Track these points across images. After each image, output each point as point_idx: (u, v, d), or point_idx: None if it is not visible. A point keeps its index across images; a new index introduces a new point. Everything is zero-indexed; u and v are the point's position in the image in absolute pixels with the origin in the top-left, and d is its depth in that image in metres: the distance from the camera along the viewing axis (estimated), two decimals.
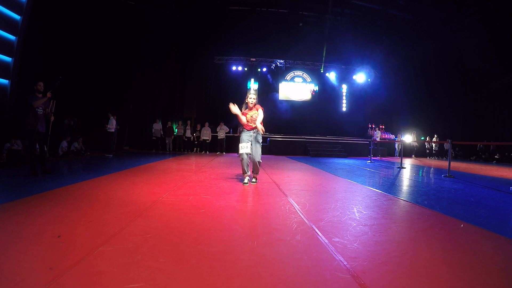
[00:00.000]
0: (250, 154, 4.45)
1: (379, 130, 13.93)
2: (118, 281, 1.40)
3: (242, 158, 4.42)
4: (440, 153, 15.06)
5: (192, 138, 13.42)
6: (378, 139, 13.70)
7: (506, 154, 12.56)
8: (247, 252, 1.80)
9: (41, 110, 4.86)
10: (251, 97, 4.43)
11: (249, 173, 4.56)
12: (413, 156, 14.97)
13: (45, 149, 7.41)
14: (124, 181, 4.35)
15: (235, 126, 13.56)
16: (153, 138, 12.69)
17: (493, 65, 13.35)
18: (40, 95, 4.89)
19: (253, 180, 4.61)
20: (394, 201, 3.55)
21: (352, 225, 2.43)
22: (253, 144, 4.46)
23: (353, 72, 17.86)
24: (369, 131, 15.70)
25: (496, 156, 12.85)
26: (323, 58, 16.65)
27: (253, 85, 17.34)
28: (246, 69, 17.17)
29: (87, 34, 11.44)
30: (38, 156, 4.98)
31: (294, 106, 17.59)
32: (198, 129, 13.41)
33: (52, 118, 5.21)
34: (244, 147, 4.41)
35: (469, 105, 15.08)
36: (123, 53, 12.54)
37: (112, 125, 10.13)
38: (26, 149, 6.72)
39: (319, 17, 15.71)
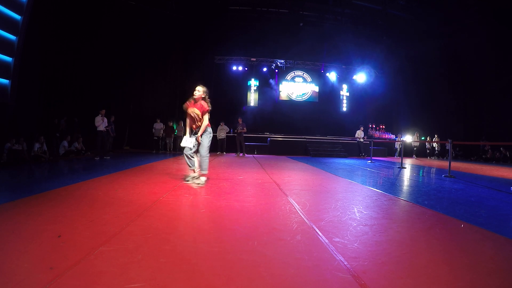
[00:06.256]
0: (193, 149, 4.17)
1: (362, 131, 13.67)
2: (118, 281, 1.40)
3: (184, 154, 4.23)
4: (441, 153, 15.03)
5: None
6: (359, 139, 13.33)
7: (508, 154, 12.53)
8: (248, 252, 1.80)
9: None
10: (197, 89, 4.20)
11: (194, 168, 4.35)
12: (414, 156, 14.94)
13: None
14: (124, 181, 4.34)
15: (236, 126, 13.56)
16: (154, 138, 12.66)
17: (493, 65, 13.34)
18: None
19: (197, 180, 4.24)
20: (395, 201, 3.55)
21: (352, 225, 2.42)
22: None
23: (353, 72, 17.85)
24: (369, 131, 15.68)
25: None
26: (324, 58, 16.64)
27: (253, 85, 17.34)
28: (246, 69, 17.15)
29: (87, 34, 11.42)
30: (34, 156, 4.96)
31: (295, 106, 17.58)
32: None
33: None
34: (185, 141, 4.19)
35: (469, 105, 15.06)
36: (123, 53, 12.53)
37: (103, 122, 8.99)
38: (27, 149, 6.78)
39: (319, 17, 15.70)
